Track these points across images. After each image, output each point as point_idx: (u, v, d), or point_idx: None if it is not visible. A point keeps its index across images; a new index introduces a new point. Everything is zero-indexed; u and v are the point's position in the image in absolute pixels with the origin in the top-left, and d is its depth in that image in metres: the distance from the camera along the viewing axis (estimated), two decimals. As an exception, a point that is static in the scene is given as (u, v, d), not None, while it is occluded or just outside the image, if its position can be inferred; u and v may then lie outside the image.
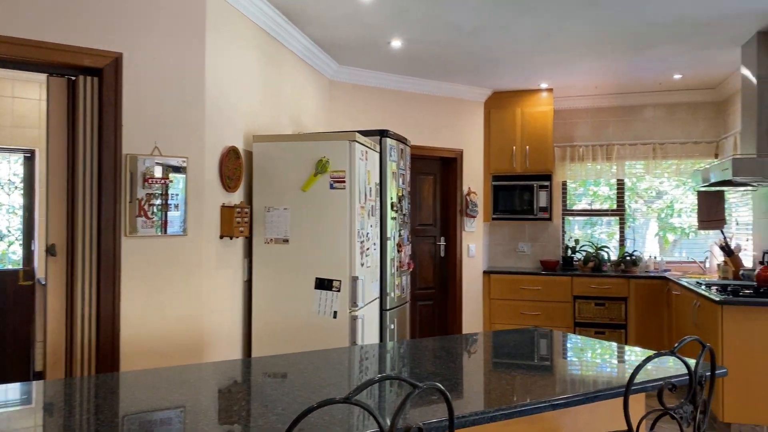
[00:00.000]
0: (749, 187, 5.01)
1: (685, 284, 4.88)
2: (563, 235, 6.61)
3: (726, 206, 5.63)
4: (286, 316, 3.55)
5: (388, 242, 4.12)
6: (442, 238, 6.11)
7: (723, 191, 5.57)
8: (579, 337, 2.73)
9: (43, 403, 1.75)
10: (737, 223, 5.75)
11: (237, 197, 3.56)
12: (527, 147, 6.20)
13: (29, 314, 4.78)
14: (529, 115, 6.21)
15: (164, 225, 3.03)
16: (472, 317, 6.14)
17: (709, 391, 1.78)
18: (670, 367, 2.09)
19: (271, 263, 3.59)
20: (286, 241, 3.58)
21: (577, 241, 6.43)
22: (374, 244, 3.94)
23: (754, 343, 3.92)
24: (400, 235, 4.35)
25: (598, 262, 6.15)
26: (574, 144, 6.50)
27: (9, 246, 4.99)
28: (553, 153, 6.30)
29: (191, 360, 3.09)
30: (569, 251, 6.36)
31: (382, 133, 4.10)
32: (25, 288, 4.81)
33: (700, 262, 6.10)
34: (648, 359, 1.62)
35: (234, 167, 3.45)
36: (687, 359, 1.70)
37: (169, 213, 3.05)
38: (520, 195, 6.25)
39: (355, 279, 3.49)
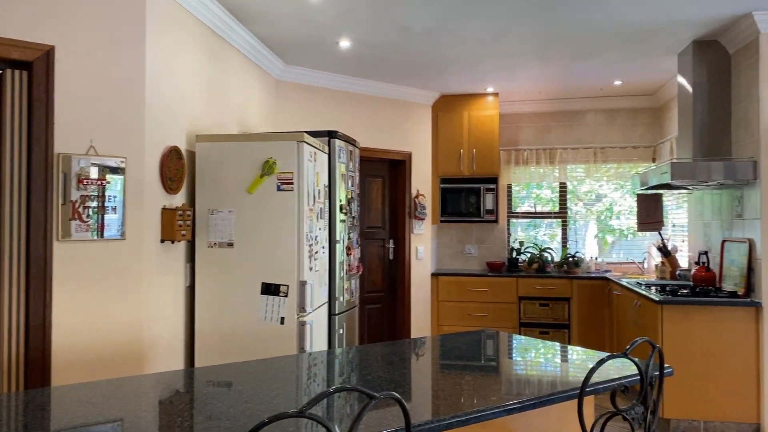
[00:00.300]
0: (685, 191, 5.22)
1: (626, 284, 5.02)
2: (508, 237, 6.71)
3: (663, 209, 5.84)
4: (231, 323, 3.43)
5: (337, 245, 4.05)
6: (391, 241, 6.08)
7: (661, 194, 5.77)
8: (524, 338, 2.74)
9: (-37, 424, 1.61)
10: (674, 225, 5.98)
11: (179, 199, 3.42)
12: (474, 150, 6.26)
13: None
14: (476, 119, 6.28)
15: (101, 228, 2.87)
16: (421, 320, 6.14)
17: (658, 391, 1.81)
18: (611, 367, 2.11)
19: (215, 268, 3.46)
20: (230, 244, 3.46)
21: (521, 243, 6.54)
22: (323, 247, 3.87)
23: (692, 341, 4.07)
24: (349, 238, 4.29)
25: (542, 263, 6.27)
26: (518, 148, 6.61)
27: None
28: (499, 156, 6.38)
29: (130, 371, 2.93)
30: (514, 253, 6.46)
31: (331, 134, 4.04)
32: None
33: (639, 262, 6.31)
34: (602, 361, 1.62)
35: (176, 168, 3.31)
36: (637, 360, 1.72)
37: (106, 216, 2.89)
38: (467, 197, 6.30)
39: (303, 283, 3.41)
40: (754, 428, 4.00)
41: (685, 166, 4.23)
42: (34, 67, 2.74)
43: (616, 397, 1.66)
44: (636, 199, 5.92)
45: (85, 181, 2.82)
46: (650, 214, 5.76)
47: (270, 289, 3.41)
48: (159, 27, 3.18)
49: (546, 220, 6.75)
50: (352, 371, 2.15)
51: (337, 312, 4.03)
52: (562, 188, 6.66)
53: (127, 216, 2.96)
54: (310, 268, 3.55)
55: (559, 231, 6.68)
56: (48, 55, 2.76)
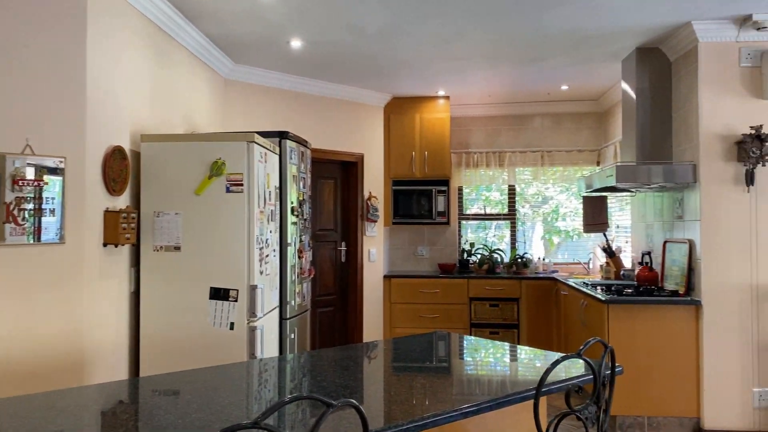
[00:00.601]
0: (628, 193, 5.38)
1: (573, 284, 5.14)
2: (460, 239, 6.77)
3: (608, 211, 6.01)
4: (178, 330, 3.31)
5: (289, 248, 3.98)
6: (343, 243, 6.04)
7: (606, 197, 5.94)
8: (475, 338, 2.75)
9: None
10: (617, 227, 6.16)
11: (123, 201, 3.28)
12: (426, 152, 6.29)
13: None
14: (428, 122, 6.31)
15: (37, 232, 2.72)
16: (373, 322, 6.12)
17: (609, 390, 1.84)
18: (563, 367, 2.14)
19: (161, 272, 3.34)
20: (177, 248, 3.34)
21: (472, 245, 6.61)
22: (274, 250, 3.79)
23: (636, 339, 4.19)
24: (300, 241, 4.22)
25: (492, 264, 6.35)
26: (469, 151, 6.68)
27: None
28: (450, 159, 6.43)
29: (71, 382, 2.79)
30: (465, 254, 6.52)
31: (282, 135, 3.97)
32: None
33: (584, 263, 6.47)
34: (557, 362, 1.64)
35: (119, 169, 3.18)
36: (591, 360, 1.74)
37: (43, 219, 2.74)
38: (419, 199, 6.32)
39: (253, 288, 3.33)
40: (694, 422, 4.15)
41: (628, 169, 4.36)
42: (-37, 61, 2.57)
43: (570, 397, 1.68)
44: (582, 201, 6.08)
45: (20, 182, 2.67)
46: (596, 215, 5.91)
47: (219, 294, 3.32)
48: (101, 21, 3.04)
49: (495, 222, 6.85)
50: (305, 377, 2.10)
51: (288, 316, 3.96)
52: (511, 190, 6.77)
53: (66, 219, 2.81)
54: (261, 272, 3.47)
55: (507, 232, 6.79)
56: (-21, 48, 2.60)
